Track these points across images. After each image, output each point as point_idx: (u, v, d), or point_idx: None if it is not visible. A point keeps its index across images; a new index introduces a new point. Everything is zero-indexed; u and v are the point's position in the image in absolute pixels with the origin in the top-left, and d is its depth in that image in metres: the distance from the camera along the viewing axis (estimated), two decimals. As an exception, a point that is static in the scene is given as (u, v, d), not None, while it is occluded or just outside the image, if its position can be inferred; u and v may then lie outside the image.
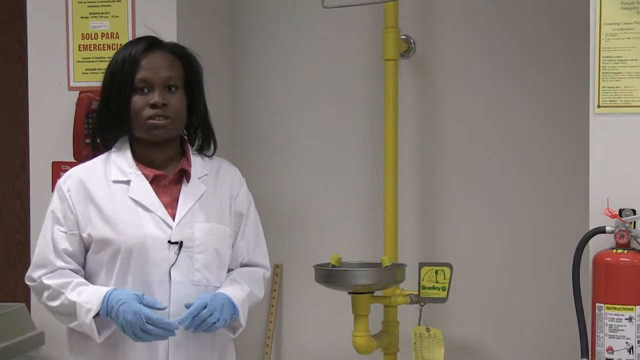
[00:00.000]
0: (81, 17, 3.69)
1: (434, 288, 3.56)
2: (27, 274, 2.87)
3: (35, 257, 2.87)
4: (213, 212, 2.89)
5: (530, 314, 3.92)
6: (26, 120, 3.81)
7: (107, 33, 3.67)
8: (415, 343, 3.60)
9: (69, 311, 2.78)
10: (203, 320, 2.74)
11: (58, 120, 3.66)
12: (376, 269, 3.58)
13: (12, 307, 3.70)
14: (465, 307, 3.94)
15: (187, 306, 2.76)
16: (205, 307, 2.75)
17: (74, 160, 3.50)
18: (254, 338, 4.15)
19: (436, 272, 3.56)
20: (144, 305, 2.70)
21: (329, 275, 3.54)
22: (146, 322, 2.68)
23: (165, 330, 2.71)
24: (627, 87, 2.92)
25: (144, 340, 2.71)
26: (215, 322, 2.76)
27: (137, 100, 2.83)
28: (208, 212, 2.88)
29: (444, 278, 3.55)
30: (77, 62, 3.70)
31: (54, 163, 3.68)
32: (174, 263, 2.81)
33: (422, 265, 3.58)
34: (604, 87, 2.93)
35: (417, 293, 3.59)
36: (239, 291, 2.87)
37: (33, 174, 3.76)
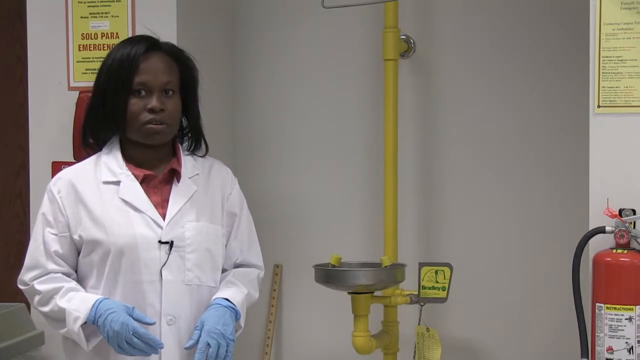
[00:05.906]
0: (81, 17, 3.69)
1: (433, 288, 3.56)
2: (19, 277, 2.86)
3: (26, 260, 2.86)
4: (204, 211, 2.88)
5: (530, 314, 3.91)
6: (26, 120, 3.81)
7: (107, 33, 3.67)
8: (417, 342, 3.60)
9: (59, 317, 2.78)
10: (216, 356, 2.74)
11: (58, 120, 3.66)
12: (376, 269, 3.57)
13: (12, 307, 3.70)
14: (465, 307, 3.94)
15: (187, 349, 2.75)
16: (207, 344, 2.73)
17: (74, 160, 3.49)
18: (254, 338, 4.15)
19: (436, 272, 3.56)
20: (133, 318, 2.69)
21: (328, 275, 3.54)
22: (133, 334, 2.67)
23: (149, 347, 2.69)
24: (627, 87, 2.92)
25: (127, 353, 2.69)
26: (227, 346, 2.75)
27: (135, 103, 2.81)
28: (199, 211, 2.87)
29: (444, 278, 3.55)
30: (77, 62, 3.70)
31: (53, 163, 3.68)
32: (165, 263, 2.80)
33: (422, 265, 3.58)
34: (603, 87, 2.93)
35: (417, 293, 3.59)
36: (238, 293, 2.87)
37: (33, 174, 3.76)
